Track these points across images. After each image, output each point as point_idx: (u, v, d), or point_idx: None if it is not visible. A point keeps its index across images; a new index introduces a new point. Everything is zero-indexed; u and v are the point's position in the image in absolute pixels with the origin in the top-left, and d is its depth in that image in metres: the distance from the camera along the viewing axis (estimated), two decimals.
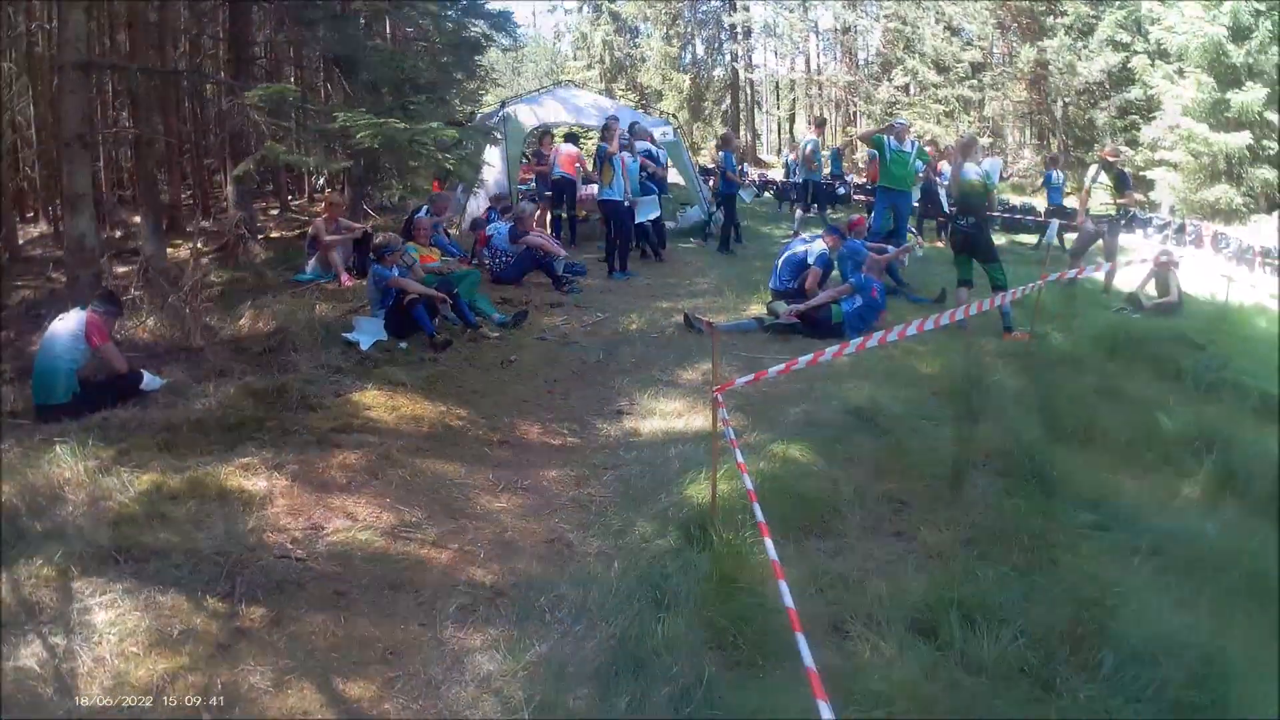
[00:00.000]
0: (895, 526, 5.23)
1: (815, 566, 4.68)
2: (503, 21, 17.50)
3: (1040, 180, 20.69)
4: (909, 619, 4.23)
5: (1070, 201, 17.04)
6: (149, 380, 6.92)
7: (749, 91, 44.33)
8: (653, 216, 13.46)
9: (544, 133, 16.06)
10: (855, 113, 39.32)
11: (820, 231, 10.72)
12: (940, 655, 3.99)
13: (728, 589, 4.31)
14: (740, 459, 4.53)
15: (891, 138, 12.12)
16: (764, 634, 3.99)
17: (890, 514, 5.36)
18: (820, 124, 19.27)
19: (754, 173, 29.79)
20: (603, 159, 12.11)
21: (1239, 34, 23.46)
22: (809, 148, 17.25)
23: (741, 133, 40.96)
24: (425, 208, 11.82)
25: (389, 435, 6.28)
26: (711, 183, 16.44)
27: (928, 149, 15.52)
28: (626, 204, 12.33)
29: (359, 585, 4.47)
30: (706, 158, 31.33)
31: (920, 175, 14.18)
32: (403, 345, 8.25)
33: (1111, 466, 6.18)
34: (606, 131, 12.33)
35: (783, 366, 5.12)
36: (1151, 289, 11.42)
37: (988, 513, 5.27)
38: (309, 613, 4.21)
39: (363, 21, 14.26)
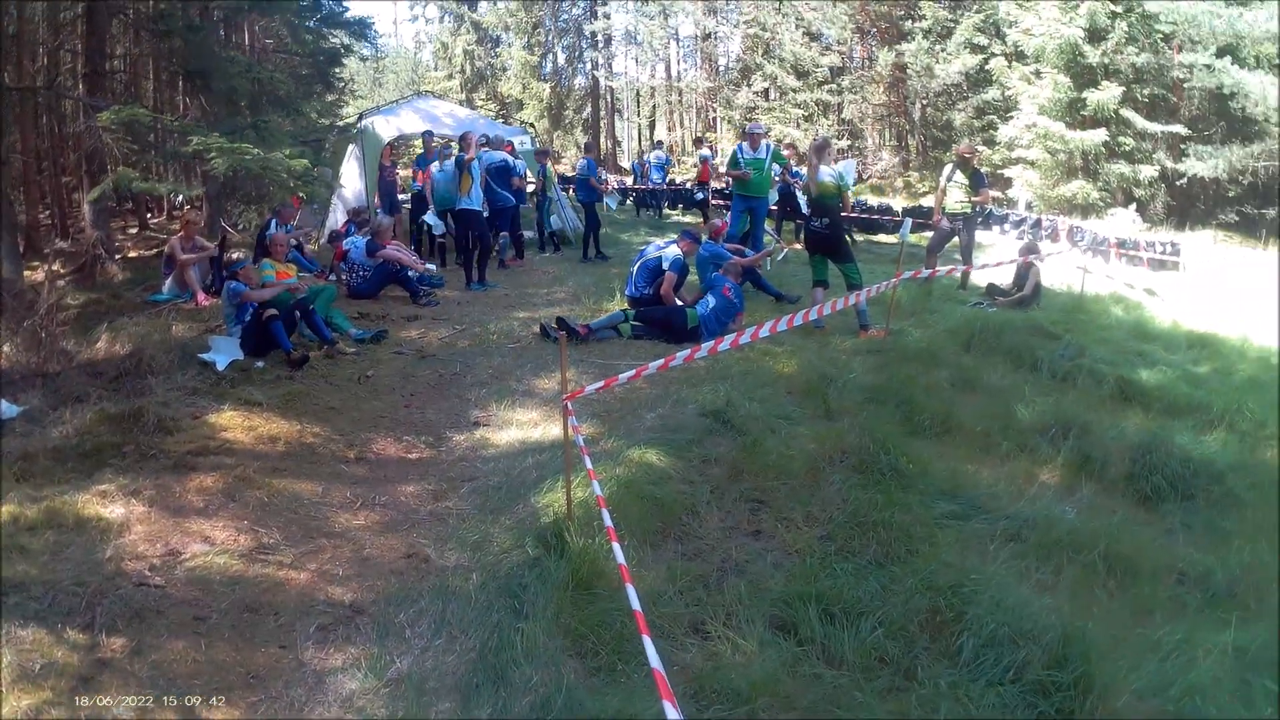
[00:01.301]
0: (753, 526, 5.31)
1: (674, 568, 4.74)
2: (362, 30, 17.37)
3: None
4: (769, 616, 4.31)
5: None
6: (5, 408, 6.72)
7: (609, 99, 44.62)
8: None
9: (384, 145, 16.07)
10: (715, 118, 39.90)
11: (675, 236, 10.83)
12: (801, 650, 4.07)
13: (585, 595, 4.36)
14: (589, 466, 4.57)
15: (745, 145, 12.35)
16: (621, 638, 4.05)
17: (748, 514, 5.43)
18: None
19: (613, 180, 29.87)
20: (460, 169, 12.10)
21: (1095, 35, 24.47)
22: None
23: (602, 140, 41.28)
24: (273, 220, 11.56)
25: (246, 456, 6.18)
26: (532, 186, 16.64)
27: (786, 152, 15.82)
28: (485, 214, 12.45)
29: (218, 610, 4.41)
30: (567, 166, 31.48)
31: (777, 178, 14.42)
32: (259, 364, 8.12)
33: (969, 457, 6.32)
34: (463, 141, 12.34)
35: (633, 373, 5.18)
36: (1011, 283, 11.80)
37: (845, 508, 5.34)
38: (169, 640, 4.14)
39: (221, 32, 14.03)
